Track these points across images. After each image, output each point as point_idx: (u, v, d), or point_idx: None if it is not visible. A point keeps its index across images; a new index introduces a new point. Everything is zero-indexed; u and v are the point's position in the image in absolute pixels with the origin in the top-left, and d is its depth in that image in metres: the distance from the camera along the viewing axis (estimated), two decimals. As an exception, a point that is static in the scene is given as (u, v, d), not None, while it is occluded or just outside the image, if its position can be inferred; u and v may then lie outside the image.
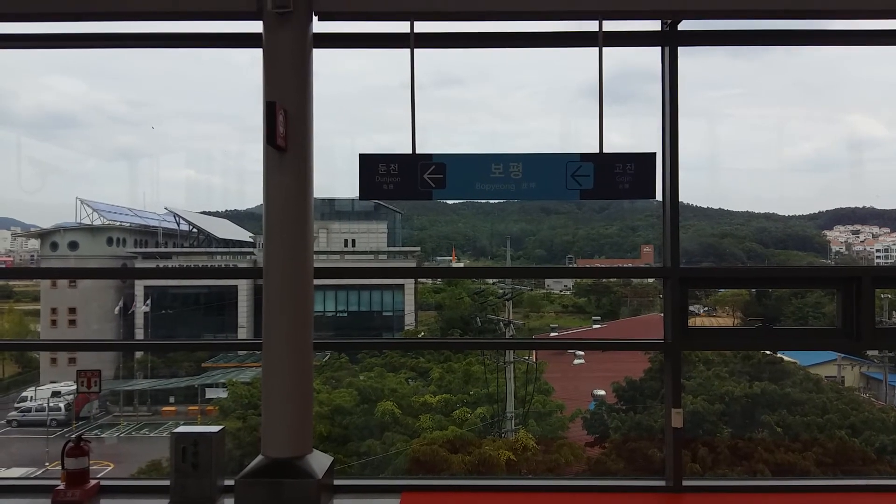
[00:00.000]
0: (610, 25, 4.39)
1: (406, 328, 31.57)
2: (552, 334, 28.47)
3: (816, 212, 54.91)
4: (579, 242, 49.27)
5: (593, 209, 50.21)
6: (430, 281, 37.75)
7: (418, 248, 39.60)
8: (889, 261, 45.34)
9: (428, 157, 4.27)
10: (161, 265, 35.09)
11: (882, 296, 24.87)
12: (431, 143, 4.36)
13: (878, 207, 52.69)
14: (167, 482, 4.32)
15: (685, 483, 4.58)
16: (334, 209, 37.62)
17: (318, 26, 4.39)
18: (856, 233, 51.86)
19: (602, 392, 18.19)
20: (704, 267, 6.88)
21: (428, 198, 4.29)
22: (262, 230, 4.32)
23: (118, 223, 35.67)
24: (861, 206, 54.00)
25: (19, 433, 25.85)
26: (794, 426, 15.16)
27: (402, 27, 4.39)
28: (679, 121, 4.59)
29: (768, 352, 18.10)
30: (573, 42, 4.71)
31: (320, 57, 4.42)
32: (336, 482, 4.50)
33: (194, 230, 38.34)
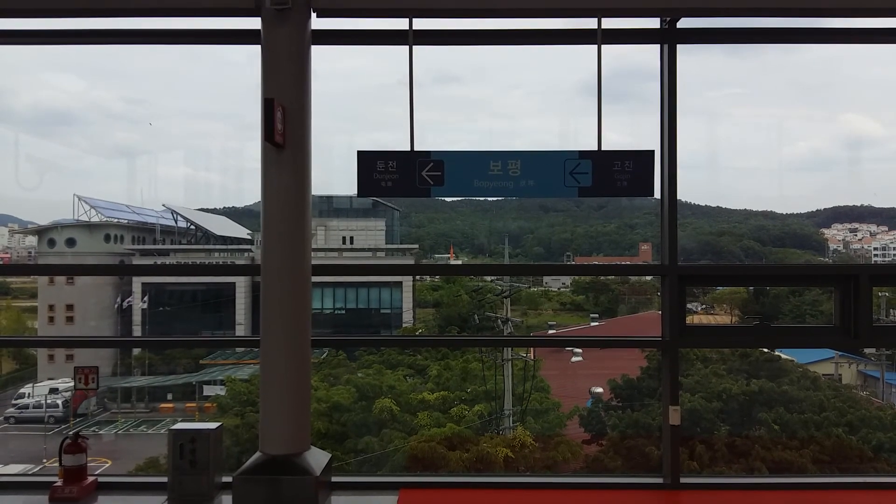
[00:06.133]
0: (609, 23, 4.39)
1: (404, 325, 31.62)
2: (550, 332, 28.53)
3: (814, 210, 55.10)
4: (577, 240, 49.32)
5: (592, 207, 50.26)
6: (428, 278, 37.79)
7: (416, 246, 39.61)
8: (886, 259, 45.42)
9: (426, 155, 4.26)
10: (159, 262, 35.07)
11: (879, 294, 24.93)
12: (429, 141, 4.35)
13: (876, 206, 52.87)
14: (165, 479, 4.31)
15: (682, 480, 4.58)
16: (332, 206, 37.60)
17: (317, 23, 4.38)
18: (853, 231, 51.98)
19: (600, 389, 18.24)
20: (702, 265, 6.89)
21: (426, 195, 4.28)
22: (259, 227, 4.32)
23: (116, 220, 35.66)
24: (859, 205, 54.21)
25: (17, 430, 25.84)
26: (792, 424, 15.20)
27: (400, 24, 4.38)
28: (677, 119, 4.59)
29: (766, 349, 18.14)
30: (572, 39, 4.70)
31: (319, 54, 4.41)
32: (334, 479, 4.49)
33: (192, 227, 38.33)
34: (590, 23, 4.35)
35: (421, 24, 4.46)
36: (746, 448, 13.44)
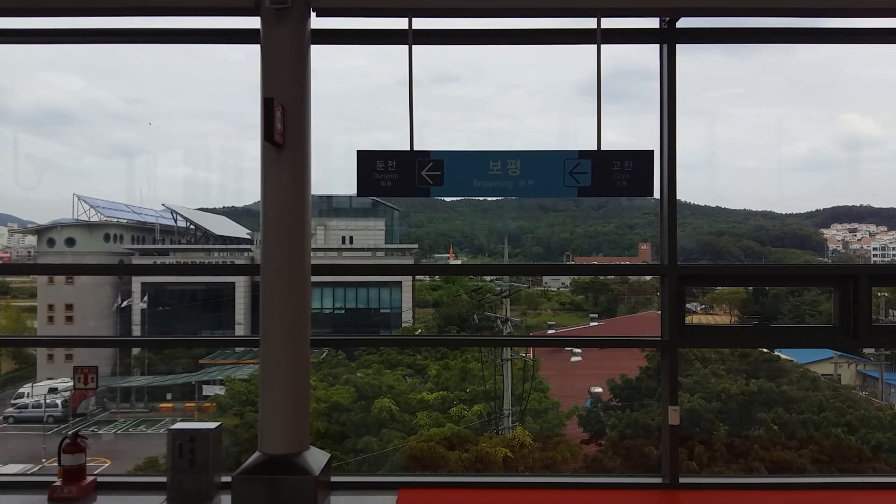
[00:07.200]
0: (608, 23, 4.39)
1: (403, 325, 31.62)
2: (549, 332, 28.53)
3: (814, 210, 55.08)
4: (577, 240, 49.31)
5: (591, 207, 50.27)
6: (427, 278, 37.77)
7: (416, 246, 39.61)
8: (886, 259, 45.41)
9: (426, 154, 4.26)
10: (158, 262, 35.07)
11: (879, 294, 24.94)
12: (428, 141, 4.35)
13: (875, 206, 52.87)
14: (164, 479, 4.31)
15: (681, 480, 4.59)
16: (332, 206, 37.59)
17: (316, 22, 4.38)
18: (853, 231, 51.98)
19: (599, 389, 18.24)
20: (702, 265, 6.89)
21: (426, 195, 4.29)
22: (259, 227, 4.32)
23: (115, 220, 35.63)
24: (858, 205, 54.20)
25: (16, 429, 25.83)
26: (791, 424, 15.19)
27: (399, 23, 4.38)
28: (677, 119, 4.60)
29: (765, 350, 18.14)
30: (571, 39, 4.70)
31: (318, 53, 4.41)
32: (333, 479, 4.50)
33: (191, 227, 38.31)
34: (589, 22, 4.36)
35: (420, 23, 4.46)
36: (745, 448, 13.44)
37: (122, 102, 72.13)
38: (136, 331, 30.62)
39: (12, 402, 27.69)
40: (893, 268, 6.68)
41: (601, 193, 4.28)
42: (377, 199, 30.77)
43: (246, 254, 35.07)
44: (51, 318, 31.48)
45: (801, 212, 54.36)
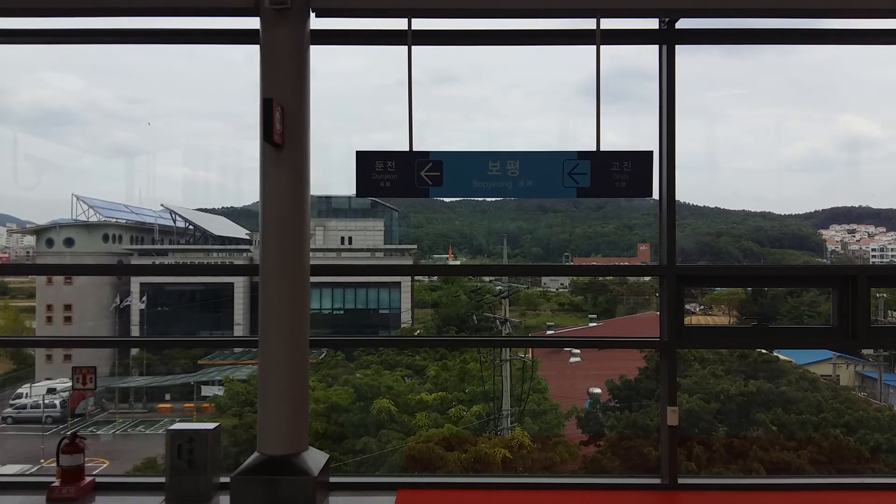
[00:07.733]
0: (608, 23, 4.39)
1: (402, 326, 31.61)
2: (548, 332, 28.53)
3: (812, 211, 55.18)
4: (576, 240, 49.32)
5: (590, 207, 50.30)
6: (426, 279, 37.76)
7: (415, 246, 39.60)
8: (884, 260, 45.44)
9: (425, 155, 4.26)
10: (157, 262, 35.05)
11: (877, 295, 24.95)
12: (427, 141, 4.35)
13: (874, 207, 52.99)
14: (163, 479, 4.31)
15: (680, 481, 4.59)
16: (331, 206, 37.57)
17: (316, 23, 4.38)
18: (852, 232, 52.04)
19: (598, 390, 18.22)
20: (701, 265, 6.89)
21: (425, 195, 4.28)
22: (258, 227, 4.31)
23: (114, 220, 35.61)
24: (857, 206, 54.30)
25: (14, 430, 25.80)
26: (790, 425, 15.20)
27: (399, 24, 4.38)
28: (676, 119, 4.60)
29: (764, 350, 18.15)
30: (570, 40, 4.71)
31: (318, 53, 4.41)
32: (332, 480, 4.49)
33: (190, 227, 38.29)
34: (589, 23, 4.35)
35: (420, 24, 4.46)
36: (744, 449, 13.44)
37: (121, 102, 72.16)
38: (135, 331, 30.60)
39: (11, 402, 27.66)
40: (892, 269, 6.68)
41: (600, 194, 4.28)
42: (376, 199, 30.75)
43: (245, 254, 35.06)
44: (49, 319, 31.45)
45: (800, 213, 54.50)
